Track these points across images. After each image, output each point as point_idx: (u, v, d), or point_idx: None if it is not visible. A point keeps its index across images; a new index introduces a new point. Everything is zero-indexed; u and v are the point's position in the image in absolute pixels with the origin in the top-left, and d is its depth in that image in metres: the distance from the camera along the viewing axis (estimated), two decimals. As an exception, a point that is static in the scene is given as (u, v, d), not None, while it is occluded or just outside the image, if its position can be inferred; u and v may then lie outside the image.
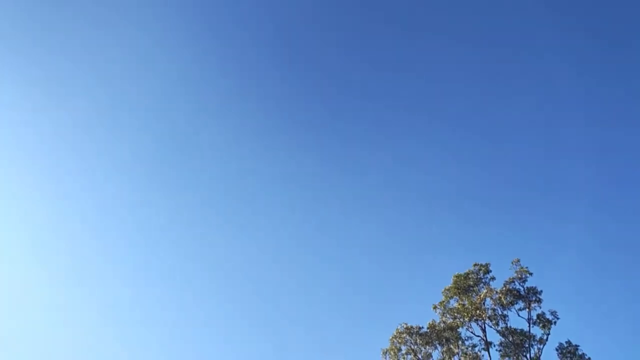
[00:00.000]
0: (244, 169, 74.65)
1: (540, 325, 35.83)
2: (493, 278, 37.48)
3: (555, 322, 35.73)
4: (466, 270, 37.77)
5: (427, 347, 37.08)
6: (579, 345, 35.40)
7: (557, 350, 35.63)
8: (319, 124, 77.24)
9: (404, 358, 37.16)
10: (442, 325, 37.15)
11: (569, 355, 35.25)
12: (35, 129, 68.01)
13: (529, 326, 35.94)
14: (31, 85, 66.34)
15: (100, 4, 65.35)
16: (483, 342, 36.43)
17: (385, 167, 73.57)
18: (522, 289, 36.73)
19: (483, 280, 37.49)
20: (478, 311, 36.45)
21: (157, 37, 69.38)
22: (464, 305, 36.82)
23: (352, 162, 75.15)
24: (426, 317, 38.21)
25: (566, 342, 35.64)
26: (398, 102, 74.74)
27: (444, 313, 37.43)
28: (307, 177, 75.77)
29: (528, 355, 35.60)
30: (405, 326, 37.47)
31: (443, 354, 37.02)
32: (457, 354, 36.81)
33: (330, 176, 74.30)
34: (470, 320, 36.71)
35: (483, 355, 36.38)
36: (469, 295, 37.06)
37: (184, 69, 73.18)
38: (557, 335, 35.80)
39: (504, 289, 36.71)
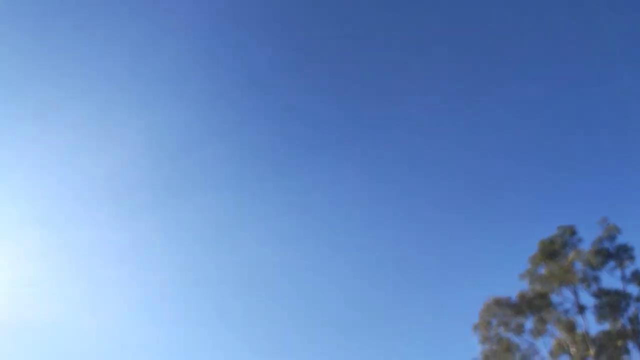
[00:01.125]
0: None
1: (636, 282, 34.48)
2: (580, 240, 36.10)
3: (652, 279, 34.38)
4: (550, 235, 36.39)
5: (518, 317, 36.04)
6: (681, 300, 34.07)
7: (656, 307, 34.36)
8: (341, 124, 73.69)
9: (495, 330, 36.23)
10: (531, 293, 36.01)
11: (670, 310, 33.95)
12: (33, 129, 66.47)
13: (624, 285, 34.65)
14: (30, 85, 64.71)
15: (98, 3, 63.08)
16: (576, 307, 35.28)
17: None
18: (611, 247, 35.32)
19: (569, 243, 36.10)
20: (568, 275, 35.16)
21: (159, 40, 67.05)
22: (552, 270, 35.55)
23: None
24: (511, 288, 37.17)
25: (666, 297, 34.33)
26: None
27: (532, 281, 36.22)
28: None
29: (625, 315, 34.39)
30: (493, 298, 36.41)
31: (535, 323, 36.01)
32: (550, 321, 35.76)
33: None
34: (560, 286, 35.47)
35: (577, 320, 35.34)
36: (556, 260, 35.74)
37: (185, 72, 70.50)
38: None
39: (592, 249, 35.31)
